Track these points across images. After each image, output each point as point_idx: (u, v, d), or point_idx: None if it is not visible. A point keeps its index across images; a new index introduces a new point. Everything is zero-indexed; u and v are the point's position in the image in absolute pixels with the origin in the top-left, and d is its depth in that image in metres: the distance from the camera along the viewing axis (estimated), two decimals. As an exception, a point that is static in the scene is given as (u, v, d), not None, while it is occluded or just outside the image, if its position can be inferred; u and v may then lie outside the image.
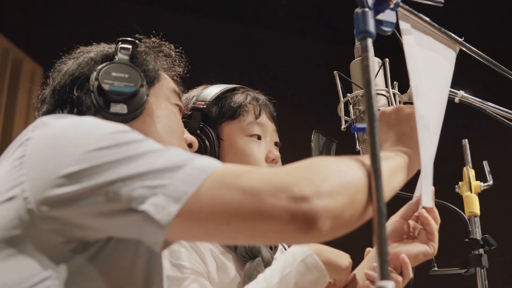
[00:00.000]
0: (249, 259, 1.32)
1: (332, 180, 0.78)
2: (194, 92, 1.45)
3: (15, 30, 3.59)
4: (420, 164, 0.99)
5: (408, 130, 1.01)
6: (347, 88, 1.22)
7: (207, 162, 0.80)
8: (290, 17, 4.32)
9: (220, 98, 1.42)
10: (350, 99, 1.21)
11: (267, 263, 1.31)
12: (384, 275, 0.68)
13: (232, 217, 0.76)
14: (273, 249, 1.40)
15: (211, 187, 0.76)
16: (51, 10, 3.67)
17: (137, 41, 1.13)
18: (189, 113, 1.40)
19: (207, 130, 1.37)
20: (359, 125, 1.12)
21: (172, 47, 1.22)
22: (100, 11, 3.81)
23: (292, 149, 1.69)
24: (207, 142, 1.36)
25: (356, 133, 1.18)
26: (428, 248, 1.23)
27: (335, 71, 1.24)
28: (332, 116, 1.28)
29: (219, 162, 0.81)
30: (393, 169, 0.91)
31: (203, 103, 1.40)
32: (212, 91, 1.43)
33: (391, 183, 0.90)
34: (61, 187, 0.78)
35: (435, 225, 1.22)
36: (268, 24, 4.30)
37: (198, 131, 1.37)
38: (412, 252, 1.23)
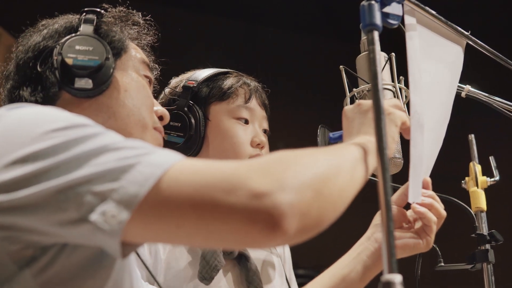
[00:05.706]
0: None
1: (296, 173, 0.71)
2: (188, 74, 1.45)
3: (19, 27, 3.59)
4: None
5: (367, 121, 0.96)
6: (353, 84, 1.22)
7: (164, 157, 0.73)
8: (295, 13, 4.31)
9: (212, 79, 1.41)
10: (356, 93, 1.20)
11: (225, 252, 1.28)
12: (391, 268, 0.68)
13: (185, 220, 0.69)
14: None
15: (165, 186, 0.69)
16: (55, 7, 3.67)
17: (102, 10, 1.06)
18: (180, 91, 1.39)
19: (195, 109, 1.36)
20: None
21: (140, 15, 1.15)
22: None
23: (298, 144, 1.68)
24: (193, 121, 1.35)
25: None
26: (420, 242, 1.17)
27: (341, 66, 1.23)
28: (338, 111, 1.27)
29: (179, 156, 0.74)
30: (357, 157, 0.84)
31: (194, 82, 1.40)
32: (206, 72, 1.43)
33: (357, 170, 0.82)
34: (7, 193, 0.71)
35: (433, 218, 1.16)
36: (272, 20, 4.30)
37: (186, 109, 1.36)
38: (400, 242, 1.16)
